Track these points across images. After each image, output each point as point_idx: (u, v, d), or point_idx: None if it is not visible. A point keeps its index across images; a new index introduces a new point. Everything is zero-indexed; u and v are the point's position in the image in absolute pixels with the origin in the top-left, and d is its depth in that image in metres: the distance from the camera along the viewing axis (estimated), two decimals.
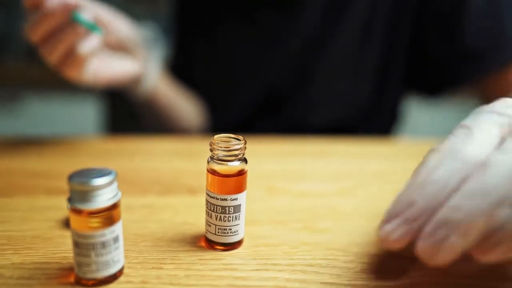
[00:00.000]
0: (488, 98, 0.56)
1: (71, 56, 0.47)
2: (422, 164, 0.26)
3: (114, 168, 0.47)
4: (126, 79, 0.56)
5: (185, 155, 0.53)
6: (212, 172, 0.31)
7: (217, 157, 0.31)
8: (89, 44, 0.48)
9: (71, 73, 0.49)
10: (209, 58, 0.72)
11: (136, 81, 0.59)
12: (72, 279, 0.28)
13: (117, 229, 0.27)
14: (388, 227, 0.25)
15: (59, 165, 0.48)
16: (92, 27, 0.47)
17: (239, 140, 0.31)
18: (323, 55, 0.67)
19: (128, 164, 0.49)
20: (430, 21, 0.64)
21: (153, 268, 0.30)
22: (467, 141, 0.26)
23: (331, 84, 0.69)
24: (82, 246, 0.27)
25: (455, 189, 0.25)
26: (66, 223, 0.35)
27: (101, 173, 0.27)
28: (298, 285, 0.29)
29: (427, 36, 0.64)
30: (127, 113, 0.76)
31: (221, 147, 0.31)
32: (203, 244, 0.33)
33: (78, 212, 0.26)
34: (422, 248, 0.24)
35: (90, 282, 0.28)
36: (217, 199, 0.31)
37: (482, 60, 0.60)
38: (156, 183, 0.44)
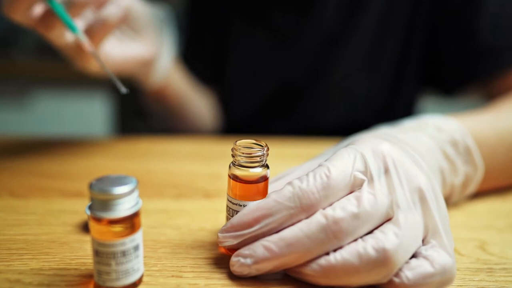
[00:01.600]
0: (498, 97, 0.55)
1: (94, 27, 0.41)
2: (284, 184, 0.29)
3: (128, 170, 0.47)
4: (136, 64, 0.50)
5: (199, 157, 0.52)
6: (234, 177, 0.31)
7: (239, 162, 0.30)
8: (118, 6, 0.41)
9: (87, 61, 0.44)
10: (221, 55, 0.71)
11: (147, 66, 0.53)
12: (91, 286, 0.28)
13: (138, 237, 0.27)
14: (225, 235, 0.29)
15: (73, 166, 0.47)
16: (70, 26, 0.39)
17: (262, 146, 0.31)
18: (338, 54, 0.66)
19: (141, 166, 0.49)
20: (444, 18, 0.63)
21: (172, 276, 0.29)
22: (319, 192, 0.27)
23: (345, 83, 0.68)
24: (102, 254, 0.26)
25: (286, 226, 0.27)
26: (82, 227, 0.35)
27: (122, 181, 0.26)
28: None
29: (441, 33, 0.63)
30: (135, 110, 0.75)
31: (243, 153, 0.30)
32: (222, 250, 0.32)
33: (98, 220, 0.26)
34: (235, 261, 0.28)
35: None
36: (240, 205, 0.30)
37: (496, 58, 0.58)
38: (171, 186, 0.44)
